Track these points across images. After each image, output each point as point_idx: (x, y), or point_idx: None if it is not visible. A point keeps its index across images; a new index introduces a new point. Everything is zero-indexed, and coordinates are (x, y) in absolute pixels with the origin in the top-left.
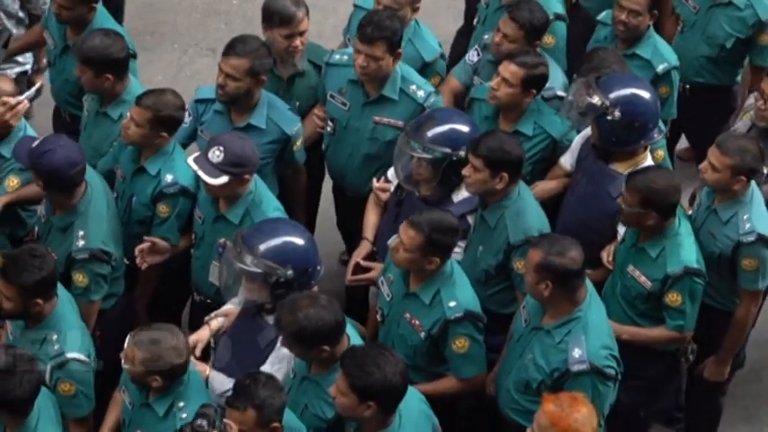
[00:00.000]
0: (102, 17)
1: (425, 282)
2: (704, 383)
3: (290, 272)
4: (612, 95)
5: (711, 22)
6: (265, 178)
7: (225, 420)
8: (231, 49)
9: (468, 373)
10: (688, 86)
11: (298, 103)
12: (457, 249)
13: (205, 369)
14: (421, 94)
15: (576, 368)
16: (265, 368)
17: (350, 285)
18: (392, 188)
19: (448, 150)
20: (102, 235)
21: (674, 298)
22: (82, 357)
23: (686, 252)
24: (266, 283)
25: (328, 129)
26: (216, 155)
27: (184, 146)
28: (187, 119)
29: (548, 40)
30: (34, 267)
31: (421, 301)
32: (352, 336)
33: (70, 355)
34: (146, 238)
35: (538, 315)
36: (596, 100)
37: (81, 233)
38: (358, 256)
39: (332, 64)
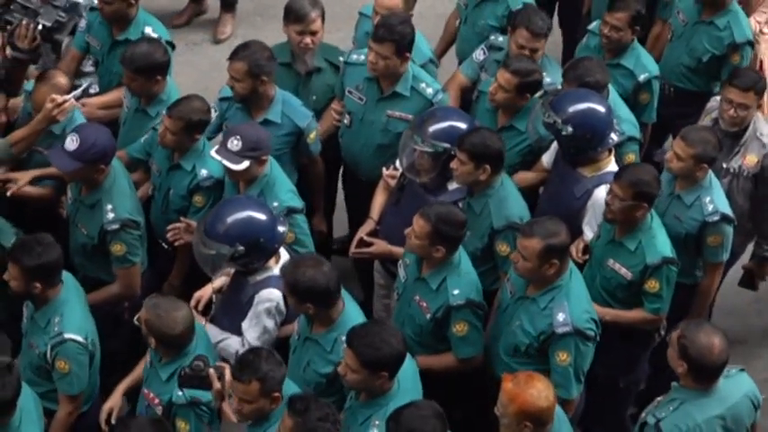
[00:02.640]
0: (144, 14)
1: (434, 269)
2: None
3: (240, 248)
4: (564, 113)
5: (694, 36)
6: (284, 167)
7: (218, 364)
8: (234, 53)
9: (465, 353)
10: (672, 89)
11: (315, 98)
12: None
13: (202, 321)
14: (430, 91)
15: (560, 330)
16: (244, 323)
17: (353, 257)
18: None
19: (447, 145)
20: (129, 206)
21: (652, 285)
22: (79, 339)
23: (661, 243)
24: (226, 260)
25: (345, 121)
26: (234, 144)
27: (209, 138)
28: (213, 114)
29: None
30: (35, 252)
31: (429, 287)
32: (347, 300)
33: (68, 335)
34: (182, 219)
35: (522, 286)
36: (550, 119)
37: (109, 207)
38: (362, 232)
39: (350, 63)
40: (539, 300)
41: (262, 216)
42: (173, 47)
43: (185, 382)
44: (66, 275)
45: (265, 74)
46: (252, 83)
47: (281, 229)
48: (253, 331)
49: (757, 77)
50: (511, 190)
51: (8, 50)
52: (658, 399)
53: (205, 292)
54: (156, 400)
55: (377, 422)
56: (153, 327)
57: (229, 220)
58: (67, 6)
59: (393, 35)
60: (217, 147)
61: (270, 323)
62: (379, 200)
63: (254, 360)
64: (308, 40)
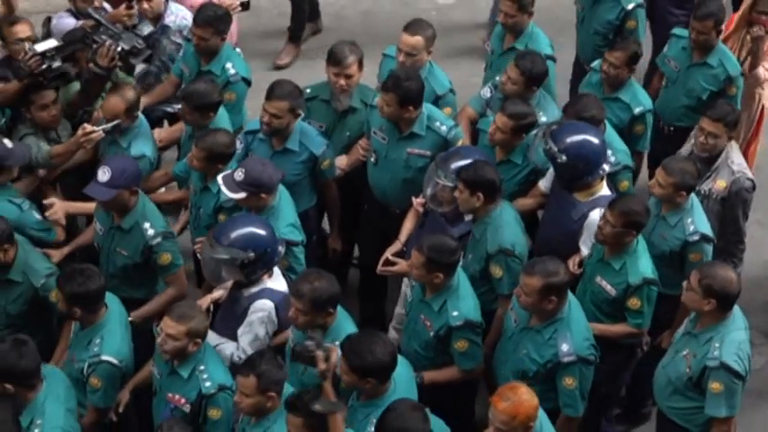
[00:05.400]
0: (228, 50)
1: (436, 293)
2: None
3: (251, 254)
4: (561, 143)
5: (690, 78)
6: (303, 190)
7: (328, 345)
8: (272, 93)
9: (467, 366)
10: (672, 128)
11: (349, 134)
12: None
13: None
14: (444, 128)
15: (566, 360)
16: (240, 330)
17: (380, 274)
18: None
19: None
20: (162, 220)
21: (634, 302)
22: (114, 361)
23: (644, 266)
24: (235, 266)
25: (372, 159)
26: (239, 175)
27: None
28: (239, 146)
29: None
30: (76, 282)
31: (432, 308)
32: (339, 310)
33: (105, 357)
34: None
35: (526, 317)
36: (548, 146)
37: (147, 225)
38: (389, 252)
39: (374, 106)
40: (543, 331)
41: (269, 230)
42: (249, 84)
43: (296, 357)
44: (111, 300)
45: (300, 109)
46: (290, 117)
47: (280, 248)
48: (246, 338)
49: (729, 110)
50: (508, 219)
51: (90, 66)
52: (683, 352)
53: (204, 302)
54: (183, 400)
55: (374, 420)
56: (198, 330)
57: (242, 229)
58: (147, 37)
59: (397, 89)
60: (226, 173)
61: (261, 331)
62: (408, 224)
63: (256, 358)
64: (342, 82)
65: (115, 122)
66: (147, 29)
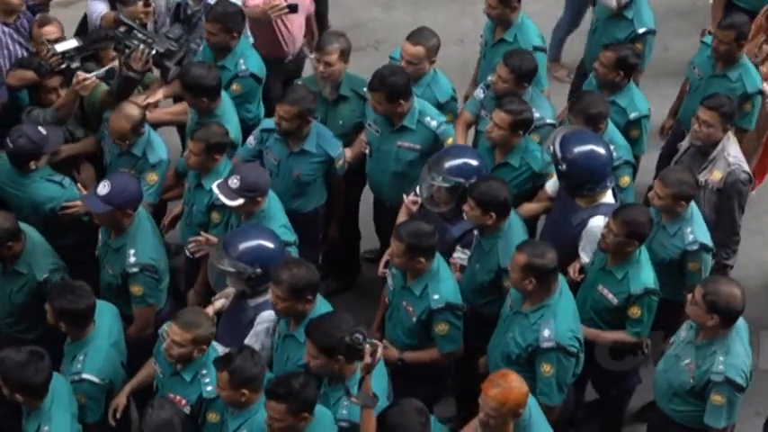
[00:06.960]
0: (244, 47)
1: (417, 279)
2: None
3: (258, 270)
4: (565, 151)
5: (709, 88)
6: (316, 189)
7: (374, 341)
8: (285, 96)
9: (447, 349)
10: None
11: (342, 123)
12: (462, 256)
13: None
14: (434, 123)
15: (545, 345)
16: (247, 340)
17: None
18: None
19: (462, 180)
20: (150, 251)
21: (635, 311)
22: (95, 380)
23: (645, 275)
24: (241, 279)
25: (367, 151)
26: (234, 182)
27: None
28: (252, 141)
29: None
30: (66, 299)
31: (413, 294)
32: (318, 297)
33: (85, 375)
34: (202, 233)
35: (519, 302)
36: (552, 151)
37: (132, 251)
38: (388, 254)
39: (368, 99)
40: (530, 315)
41: (277, 245)
42: (259, 81)
43: (345, 349)
44: (105, 313)
45: (310, 113)
46: (299, 122)
47: None
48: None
49: (726, 101)
50: (517, 232)
51: (123, 70)
52: (685, 361)
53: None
54: (184, 402)
55: (345, 403)
56: (204, 337)
57: (252, 241)
58: (178, 39)
59: (383, 87)
60: (220, 181)
61: (267, 341)
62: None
63: (233, 354)
64: (321, 68)
65: (108, 67)
66: (178, 31)
